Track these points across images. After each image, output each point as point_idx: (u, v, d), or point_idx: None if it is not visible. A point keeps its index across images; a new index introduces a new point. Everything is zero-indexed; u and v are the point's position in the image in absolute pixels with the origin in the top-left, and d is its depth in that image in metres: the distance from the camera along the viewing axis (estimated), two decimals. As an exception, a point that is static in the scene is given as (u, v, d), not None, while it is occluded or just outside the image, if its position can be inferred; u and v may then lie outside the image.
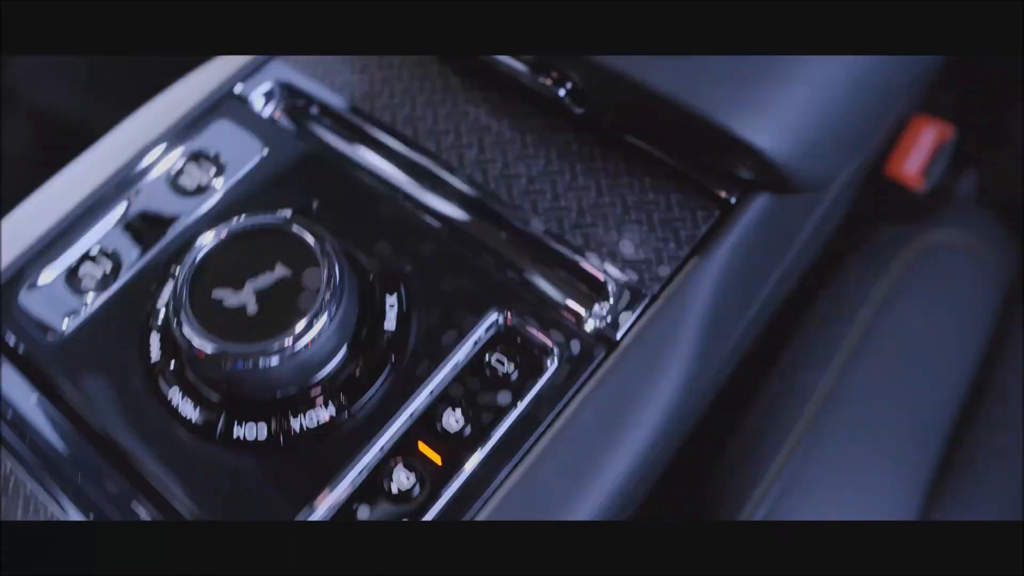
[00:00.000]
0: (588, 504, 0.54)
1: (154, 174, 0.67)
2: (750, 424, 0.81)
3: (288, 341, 0.53)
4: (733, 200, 0.61)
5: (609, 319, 0.58)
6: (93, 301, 0.62)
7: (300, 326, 0.53)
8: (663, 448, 0.58)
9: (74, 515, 0.56)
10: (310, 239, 0.56)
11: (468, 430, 0.55)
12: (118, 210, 0.66)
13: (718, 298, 0.59)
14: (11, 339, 0.62)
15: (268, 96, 0.71)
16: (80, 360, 0.60)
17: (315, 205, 0.64)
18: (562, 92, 0.63)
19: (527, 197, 0.63)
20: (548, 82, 0.63)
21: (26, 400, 0.60)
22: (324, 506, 0.53)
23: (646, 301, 0.58)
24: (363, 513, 0.53)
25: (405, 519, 0.53)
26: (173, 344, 0.57)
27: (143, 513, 0.55)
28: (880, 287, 0.83)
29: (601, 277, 0.59)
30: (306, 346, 0.53)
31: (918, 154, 0.85)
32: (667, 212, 0.61)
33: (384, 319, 0.58)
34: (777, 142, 0.56)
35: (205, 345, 0.53)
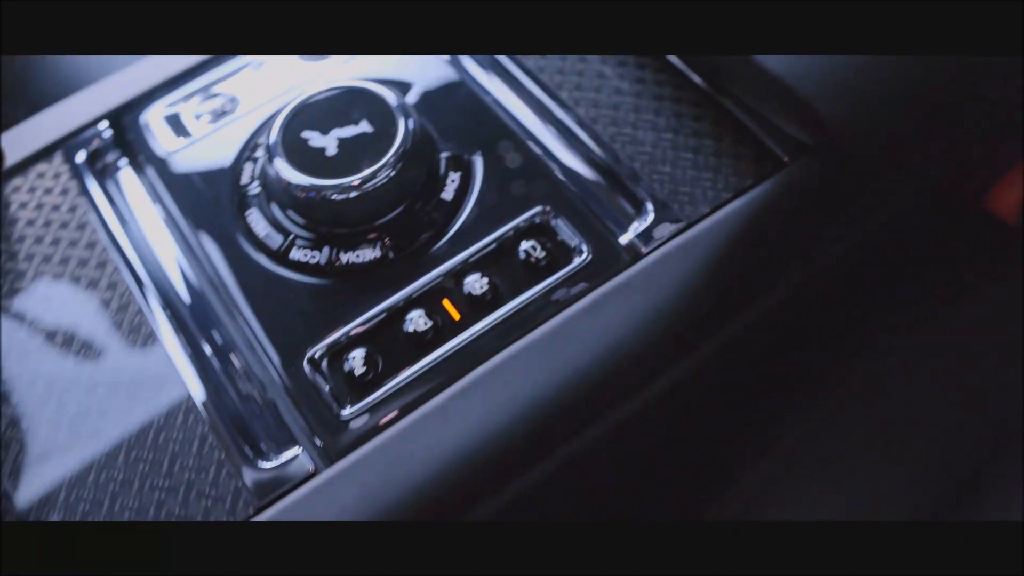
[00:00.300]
0: (563, 382, 0.59)
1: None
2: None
3: (354, 182, 0.61)
4: (786, 159, 0.65)
5: (641, 236, 0.63)
6: (215, 126, 0.72)
7: (366, 172, 0.61)
8: (651, 361, 0.62)
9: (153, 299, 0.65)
10: (394, 102, 0.64)
11: (488, 297, 0.61)
12: (253, 62, 0.76)
13: (746, 248, 0.63)
14: (135, 145, 0.73)
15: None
16: (184, 173, 0.70)
17: (412, 89, 0.72)
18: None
19: (596, 117, 0.68)
20: None
21: (135, 198, 0.70)
22: (344, 330, 0.61)
23: (679, 226, 0.62)
24: (376, 344, 0.60)
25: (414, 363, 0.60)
26: (263, 171, 0.66)
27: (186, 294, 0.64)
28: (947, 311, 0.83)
29: (642, 197, 0.64)
30: (367, 190, 0.62)
31: (1015, 185, 0.85)
32: (720, 158, 0.65)
33: (443, 190, 0.65)
34: (831, 102, 0.60)
35: (285, 172, 0.62)
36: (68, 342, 0.63)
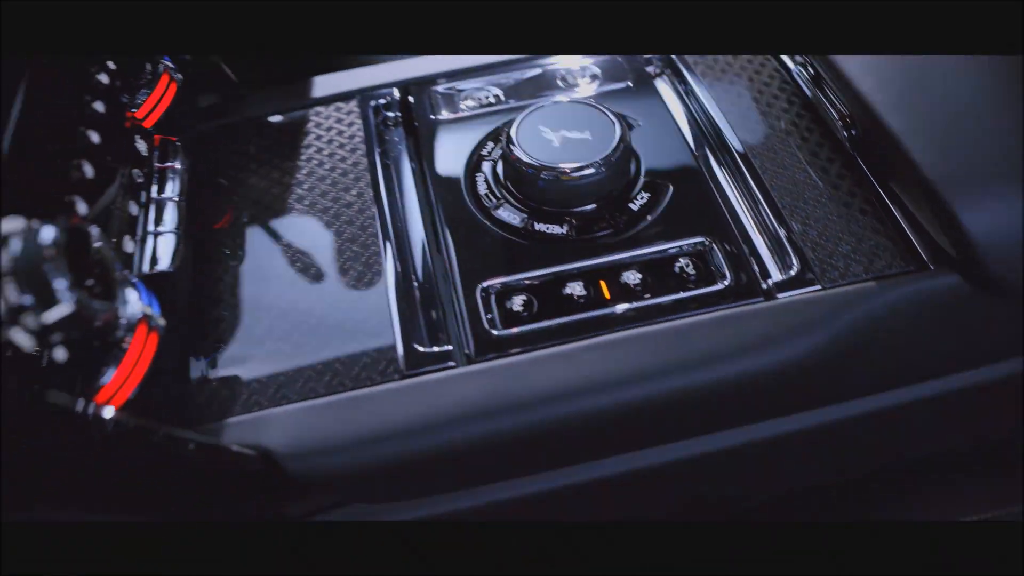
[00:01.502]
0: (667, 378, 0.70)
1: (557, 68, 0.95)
2: None
3: (565, 170, 0.77)
4: (930, 264, 0.74)
5: (779, 285, 0.74)
6: (477, 110, 0.91)
7: (576, 166, 0.77)
8: (744, 397, 0.73)
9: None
10: (616, 125, 0.79)
11: (637, 289, 0.74)
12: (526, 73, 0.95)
13: (869, 331, 0.73)
14: (413, 110, 0.92)
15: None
16: (442, 138, 0.88)
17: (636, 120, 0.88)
18: (836, 115, 0.81)
19: (777, 184, 0.80)
20: (828, 105, 0.82)
21: (398, 147, 0.89)
22: (517, 277, 0.76)
23: (815, 288, 0.73)
24: (537, 295, 0.75)
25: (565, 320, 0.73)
26: (500, 148, 0.83)
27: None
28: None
29: (792, 255, 0.75)
30: (573, 180, 0.77)
31: None
32: (871, 245, 0.75)
33: (632, 202, 0.79)
34: (988, 235, 0.70)
35: (516, 149, 0.79)
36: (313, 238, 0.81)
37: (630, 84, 0.92)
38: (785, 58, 0.91)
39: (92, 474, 0.57)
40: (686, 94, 0.91)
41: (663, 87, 0.92)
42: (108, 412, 0.55)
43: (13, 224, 0.56)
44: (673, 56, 0.94)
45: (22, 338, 0.53)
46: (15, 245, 0.53)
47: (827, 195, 0.79)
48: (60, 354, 0.56)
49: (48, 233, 0.54)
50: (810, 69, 0.86)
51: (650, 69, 0.94)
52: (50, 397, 0.52)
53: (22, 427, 0.52)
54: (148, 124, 0.80)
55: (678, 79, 0.93)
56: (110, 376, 0.59)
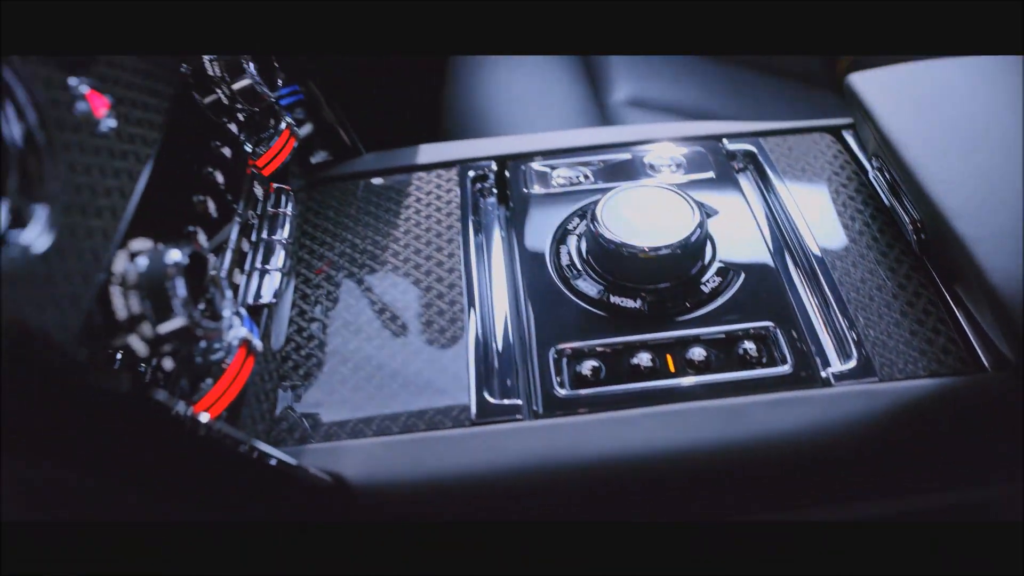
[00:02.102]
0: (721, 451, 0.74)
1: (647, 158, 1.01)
2: None
3: (644, 248, 0.82)
4: (988, 367, 0.77)
5: (838, 375, 0.77)
6: (567, 188, 0.97)
7: (655, 246, 0.82)
8: (795, 480, 0.75)
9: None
10: (695, 212, 0.84)
11: (701, 365, 0.78)
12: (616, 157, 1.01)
13: (923, 428, 0.75)
14: (508, 182, 0.98)
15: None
16: (532, 210, 0.94)
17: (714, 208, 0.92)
18: (907, 219, 0.85)
19: (846, 280, 0.84)
20: (900, 209, 0.86)
21: (491, 215, 0.95)
22: (588, 343, 0.80)
23: (873, 380, 0.76)
24: (605, 362, 0.79)
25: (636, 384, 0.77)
26: (585, 224, 0.88)
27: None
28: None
29: (853, 346, 0.78)
30: (650, 258, 0.82)
31: None
32: (932, 344, 0.78)
33: (703, 284, 0.84)
34: None
35: (600, 226, 0.84)
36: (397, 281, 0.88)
37: (713, 176, 0.97)
38: (864, 161, 0.95)
39: (176, 469, 0.62)
40: (766, 189, 0.96)
41: (744, 181, 0.97)
42: (204, 418, 0.61)
43: (144, 244, 0.63)
44: (756, 153, 0.99)
45: (138, 344, 0.60)
46: (142, 262, 0.61)
47: (893, 293, 0.82)
48: (168, 363, 0.62)
49: (172, 255, 0.61)
50: (886, 174, 0.90)
51: (734, 164, 0.99)
52: (156, 396, 0.58)
53: (126, 420, 0.58)
54: (267, 172, 0.88)
55: (759, 174, 0.97)
56: (208, 389, 0.65)
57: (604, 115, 1.45)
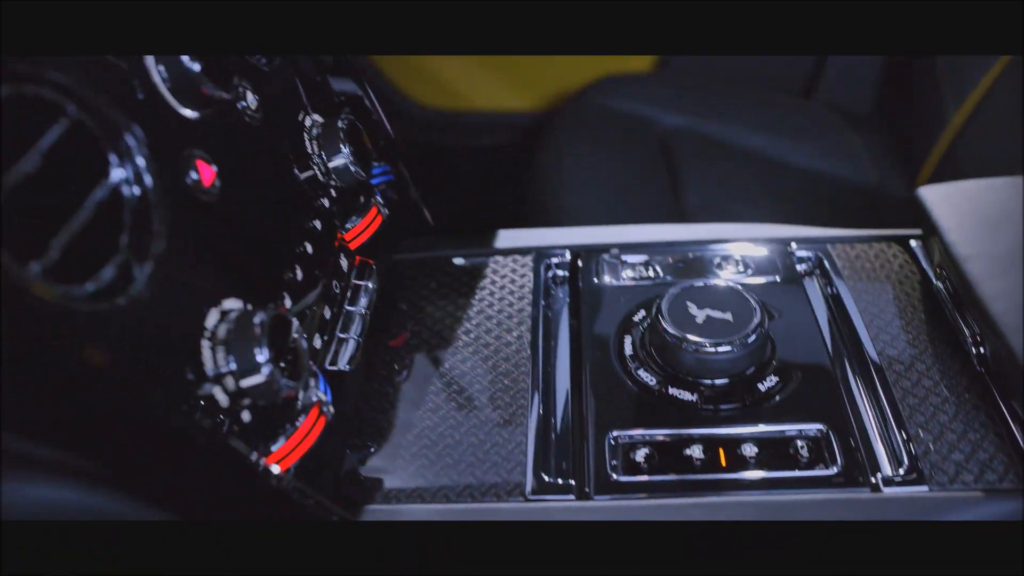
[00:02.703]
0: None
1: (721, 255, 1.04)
2: None
3: (705, 345, 0.85)
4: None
5: (887, 480, 0.78)
6: (635, 281, 1.00)
7: (715, 344, 0.85)
8: None
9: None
10: (757, 311, 0.87)
11: (751, 462, 0.80)
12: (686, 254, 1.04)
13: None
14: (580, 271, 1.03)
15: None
16: (600, 299, 0.98)
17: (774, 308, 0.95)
18: (968, 332, 0.86)
19: (905, 387, 0.86)
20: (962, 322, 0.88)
21: (558, 299, 0.99)
22: (645, 432, 0.83)
23: (921, 489, 0.77)
24: (659, 451, 0.82)
25: (680, 477, 0.80)
26: (651, 327, 0.92)
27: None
28: None
29: (904, 453, 0.80)
30: (709, 356, 0.85)
31: None
32: (985, 457, 0.79)
33: (761, 383, 0.86)
34: None
35: (663, 319, 0.87)
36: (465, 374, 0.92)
37: (778, 278, 1.00)
38: (929, 272, 0.97)
39: (244, 513, 0.67)
40: (830, 294, 0.98)
41: (809, 285, 0.99)
42: (275, 469, 0.66)
43: (235, 304, 0.69)
44: (823, 259, 1.01)
45: (221, 395, 0.65)
46: (232, 320, 0.66)
47: (949, 404, 0.84)
48: (246, 415, 0.67)
49: (259, 317, 0.66)
50: (949, 286, 0.92)
51: (800, 268, 1.02)
52: (233, 444, 0.63)
53: (204, 464, 0.63)
54: (353, 246, 0.94)
55: (825, 280, 1.00)
56: (281, 443, 0.70)
57: (681, 212, 1.49)
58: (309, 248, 0.84)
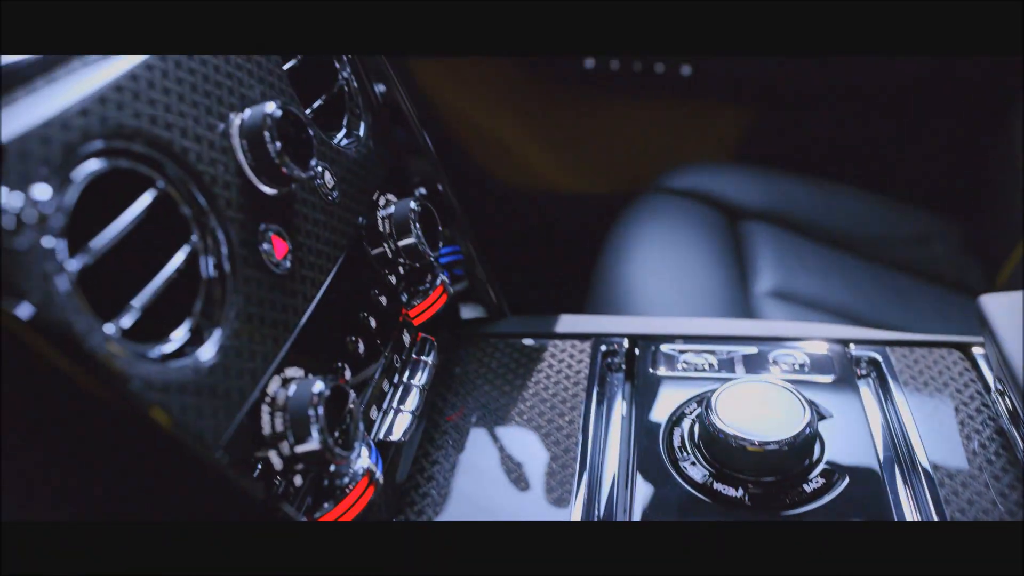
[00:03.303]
0: None
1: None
2: None
3: (754, 442, 0.85)
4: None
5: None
6: (690, 373, 1.02)
7: (765, 441, 0.85)
8: None
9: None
10: (804, 409, 0.88)
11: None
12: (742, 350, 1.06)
13: None
14: (640, 365, 1.04)
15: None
16: (656, 392, 0.99)
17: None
18: (1022, 448, 0.86)
19: (952, 488, 0.85)
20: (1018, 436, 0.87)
21: (614, 388, 1.01)
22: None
23: None
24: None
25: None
26: (700, 420, 0.93)
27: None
28: None
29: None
30: (759, 453, 0.85)
31: None
32: None
33: (807, 483, 0.86)
34: None
35: (714, 417, 0.88)
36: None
37: (833, 379, 1.00)
38: (990, 381, 0.97)
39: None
40: (885, 398, 0.98)
41: (865, 388, 1.00)
42: (320, 534, 0.68)
43: (296, 372, 0.72)
44: (880, 362, 1.02)
45: (276, 459, 0.68)
46: (292, 388, 0.70)
47: (1000, 520, 0.83)
48: (298, 480, 0.70)
49: (318, 386, 0.69)
50: (1007, 398, 0.91)
51: (857, 369, 1.02)
52: (283, 507, 0.66)
53: (256, 522, 0.66)
54: (416, 323, 0.97)
55: (880, 383, 1.00)
56: (329, 509, 0.73)
57: (746, 302, 1.50)
58: (373, 322, 0.87)
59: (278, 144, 0.72)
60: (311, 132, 0.76)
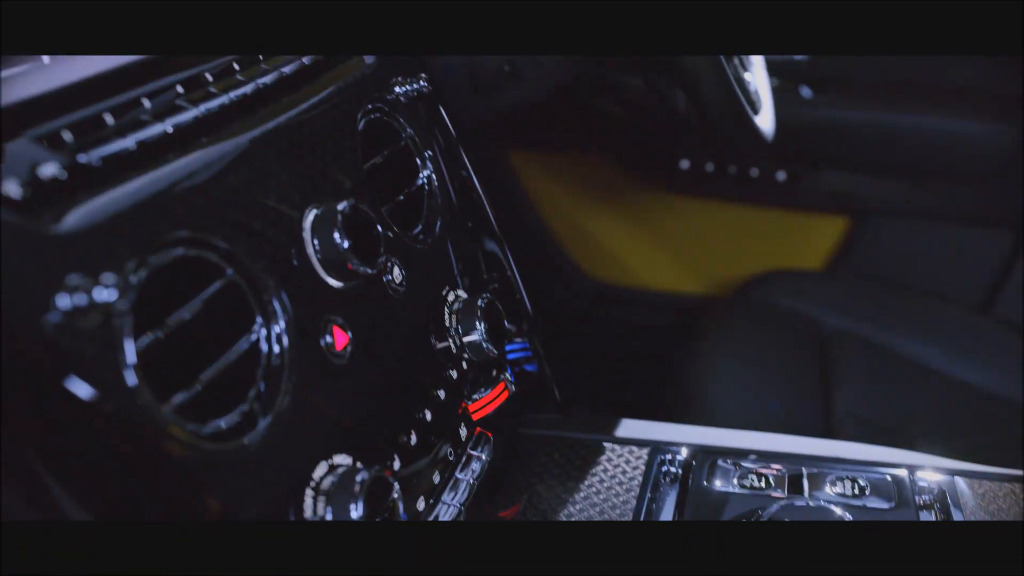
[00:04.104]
0: None
1: None
2: None
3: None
4: None
5: None
6: (738, 487, 1.01)
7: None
8: None
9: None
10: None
11: None
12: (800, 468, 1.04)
13: None
14: (695, 476, 1.04)
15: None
16: (711, 506, 0.99)
17: None
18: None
19: None
20: None
21: (668, 498, 1.01)
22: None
23: None
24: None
25: None
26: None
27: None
28: None
29: None
30: None
31: None
32: None
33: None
34: None
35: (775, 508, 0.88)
36: None
37: (892, 506, 0.98)
38: None
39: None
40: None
41: (926, 518, 0.97)
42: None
43: (343, 460, 0.75)
44: (945, 492, 0.99)
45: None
46: (337, 475, 0.72)
47: None
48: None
49: (361, 475, 0.72)
50: None
51: (919, 498, 1.00)
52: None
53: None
54: (475, 417, 0.99)
55: (944, 514, 0.97)
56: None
57: (822, 420, 1.47)
58: (428, 416, 0.90)
59: (346, 241, 0.76)
60: (379, 230, 0.80)
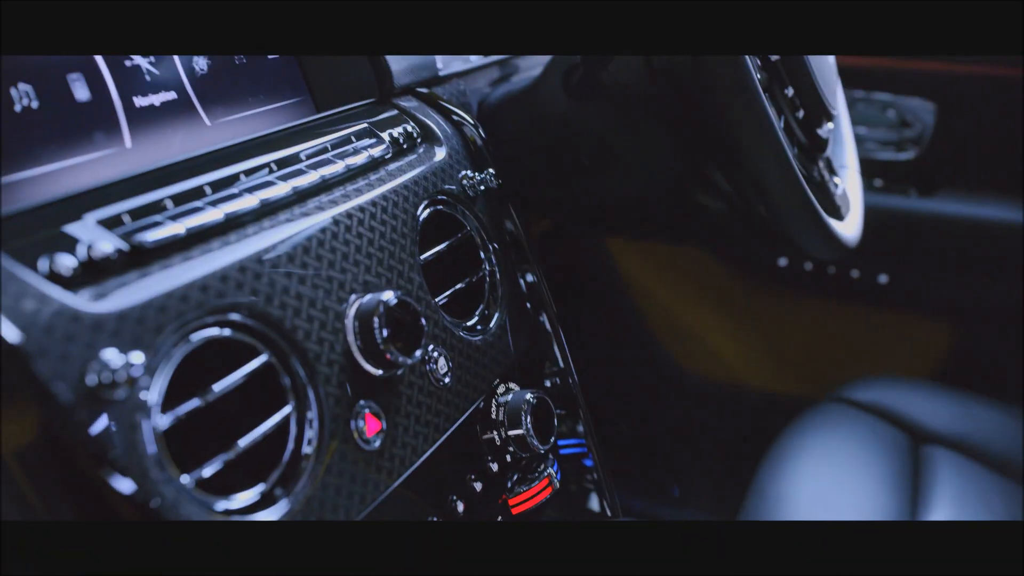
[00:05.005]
0: None
1: None
2: None
3: None
4: None
5: None
6: None
7: None
8: None
9: None
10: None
11: None
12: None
13: None
14: None
15: None
16: None
17: None
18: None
19: None
20: None
21: None
22: None
23: None
24: None
25: None
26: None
27: None
28: None
29: None
30: None
31: None
32: None
33: None
34: None
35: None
36: None
37: None
38: None
39: None
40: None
41: None
42: None
43: (360, 547, 0.76)
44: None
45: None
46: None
47: None
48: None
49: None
50: None
51: None
52: None
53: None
54: (515, 512, 0.99)
55: None
56: None
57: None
58: (460, 505, 0.90)
59: (386, 331, 0.78)
60: (423, 322, 0.82)
